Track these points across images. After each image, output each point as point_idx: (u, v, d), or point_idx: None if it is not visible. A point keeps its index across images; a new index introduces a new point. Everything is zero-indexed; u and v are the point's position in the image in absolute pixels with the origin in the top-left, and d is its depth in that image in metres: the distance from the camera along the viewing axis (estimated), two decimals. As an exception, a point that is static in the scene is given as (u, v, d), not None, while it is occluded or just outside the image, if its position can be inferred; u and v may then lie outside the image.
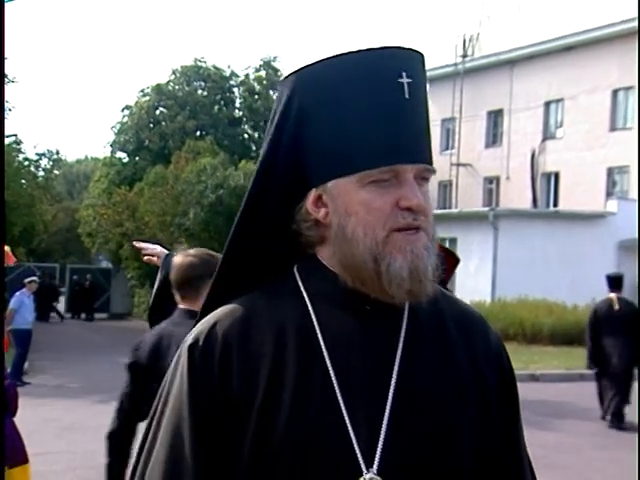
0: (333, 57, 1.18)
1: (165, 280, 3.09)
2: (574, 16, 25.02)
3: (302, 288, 1.20)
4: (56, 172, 33.65)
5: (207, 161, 21.68)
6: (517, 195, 26.50)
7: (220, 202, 20.50)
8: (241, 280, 1.23)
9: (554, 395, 10.14)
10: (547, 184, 26.84)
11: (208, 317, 1.22)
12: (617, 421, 8.99)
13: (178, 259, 2.96)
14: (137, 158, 28.97)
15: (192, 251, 3.00)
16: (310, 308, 1.18)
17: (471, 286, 18.01)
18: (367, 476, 1.10)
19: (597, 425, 9.12)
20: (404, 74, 1.15)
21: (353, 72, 1.15)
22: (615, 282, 9.35)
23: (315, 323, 1.17)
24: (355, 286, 1.16)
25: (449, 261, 4.34)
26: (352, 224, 1.14)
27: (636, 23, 23.51)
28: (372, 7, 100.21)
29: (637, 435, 7.17)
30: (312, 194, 1.18)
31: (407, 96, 1.15)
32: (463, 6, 29.14)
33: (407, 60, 1.18)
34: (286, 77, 1.22)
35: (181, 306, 2.93)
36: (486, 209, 20.68)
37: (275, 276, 1.23)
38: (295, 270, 1.23)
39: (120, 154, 30.31)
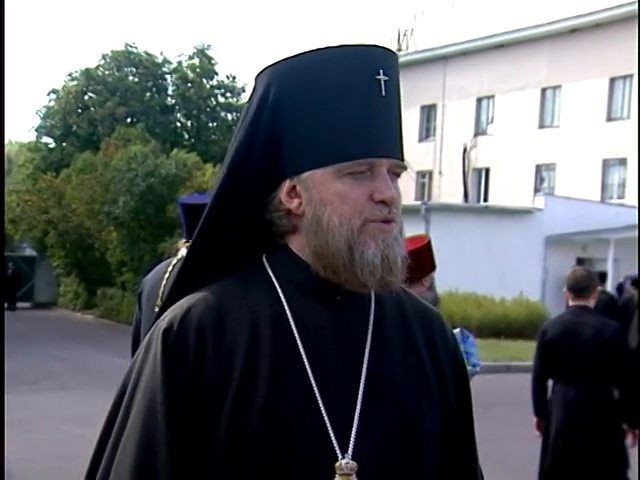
0: (311, 51, 1.20)
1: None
2: (506, 15, 25.53)
3: (273, 278, 1.22)
4: (-22, 156, 32.48)
5: (138, 149, 21.24)
6: (449, 190, 26.92)
7: (151, 191, 20.14)
8: (209, 267, 1.24)
9: (480, 386, 10.37)
10: (478, 179, 27.35)
11: (180, 302, 1.21)
12: None
13: (574, 271, 4.41)
14: (64, 144, 28.20)
15: (579, 268, 4.30)
16: (282, 297, 1.20)
17: (402, 279, 18.15)
18: (343, 461, 1.13)
19: (520, 416, 9.32)
20: (381, 72, 1.18)
21: (332, 67, 1.18)
22: (599, 277, 11.78)
23: (288, 312, 1.19)
24: (327, 275, 1.18)
25: (426, 265, 3.99)
26: (327, 214, 1.17)
27: (565, 24, 24.17)
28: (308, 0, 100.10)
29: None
30: (286, 184, 1.19)
31: (383, 93, 1.19)
32: (398, 1, 29.39)
33: (384, 58, 1.21)
34: (263, 70, 1.23)
35: (574, 303, 4.43)
36: (418, 203, 20.90)
37: (243, 264, 1.24)
38: (264, 259, 1.24)
39: (46, 139, 29.44)
